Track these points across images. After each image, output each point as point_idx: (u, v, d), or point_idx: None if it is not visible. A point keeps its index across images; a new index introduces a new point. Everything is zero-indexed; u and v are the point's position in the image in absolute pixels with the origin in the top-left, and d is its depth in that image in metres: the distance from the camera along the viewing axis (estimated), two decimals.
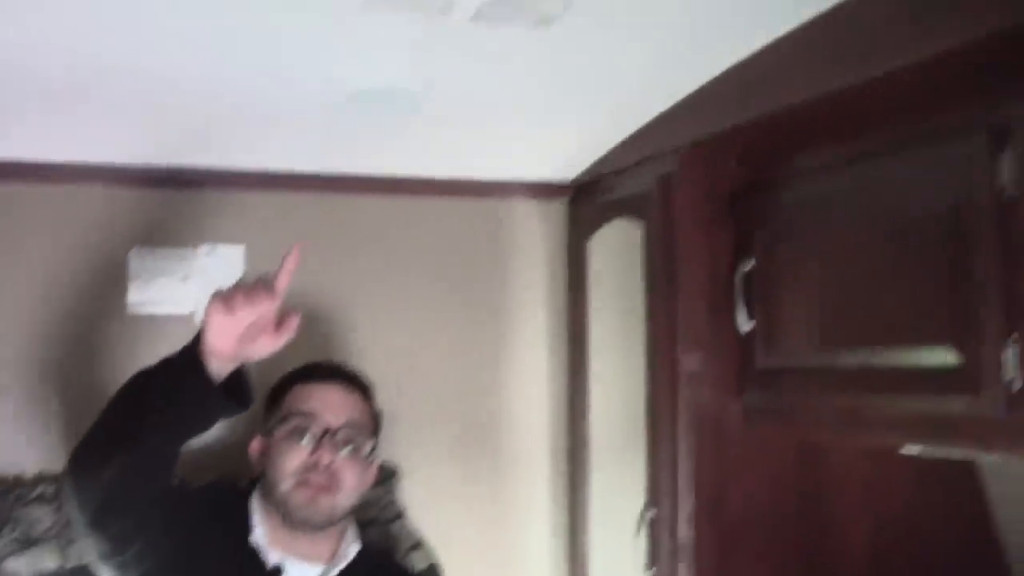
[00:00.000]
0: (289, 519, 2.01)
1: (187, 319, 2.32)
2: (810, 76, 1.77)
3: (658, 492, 2.15)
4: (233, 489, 2.14)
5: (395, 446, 2.39)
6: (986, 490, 2.18)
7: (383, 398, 2.22)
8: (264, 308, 1.76)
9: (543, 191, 2.63)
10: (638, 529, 2.20)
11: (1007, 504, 2.16)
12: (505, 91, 2.05)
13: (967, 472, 2.17)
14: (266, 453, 2.07)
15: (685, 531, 2.08)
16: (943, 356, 1.59)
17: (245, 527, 2.03)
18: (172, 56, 1.79)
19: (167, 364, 1.82)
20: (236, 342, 1.77)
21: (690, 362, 2.10)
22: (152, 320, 2.36)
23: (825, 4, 1.65)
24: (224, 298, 1.75)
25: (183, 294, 2.39)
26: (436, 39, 1.76)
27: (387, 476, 2.35)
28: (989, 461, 2.10)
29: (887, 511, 2.16)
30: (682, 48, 1.86)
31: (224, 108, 2.07)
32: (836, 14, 1.64)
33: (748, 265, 2.06)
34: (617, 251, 2.42)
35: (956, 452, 1.79)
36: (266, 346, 1.80)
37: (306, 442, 2.02)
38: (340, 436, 2.04)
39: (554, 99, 2.10)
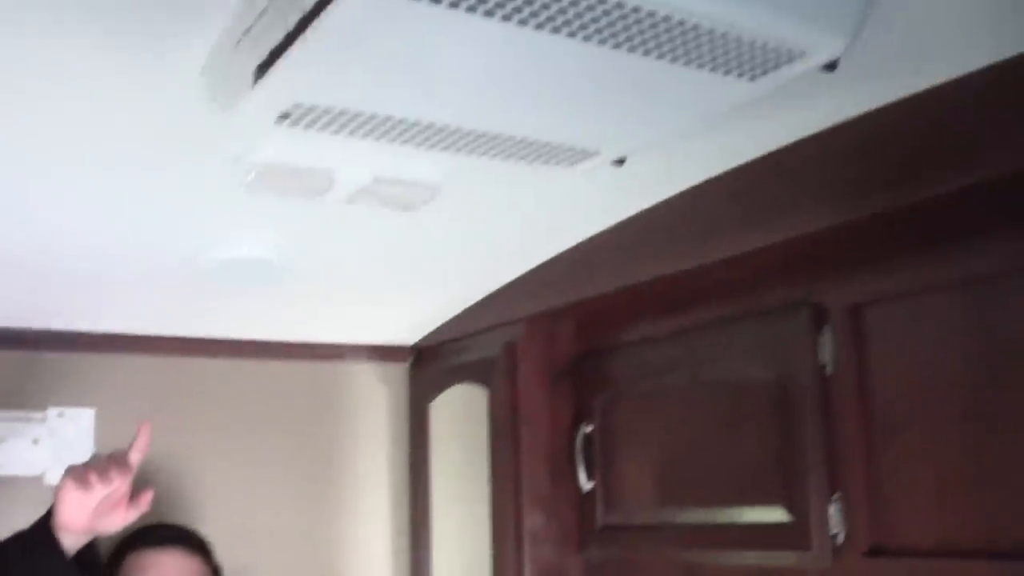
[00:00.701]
0: None
1: (38, 481, 2.31)
2: (646, 259, 1.96)
3: None
4: None
5: None
6: None
7: (229, 555, 2.25)
8: (117, 484, 1.79)
9: (385, 354, 2.74)
10: None
11: None
12: (361, 264, 2.17)
13: None
14: None
15: None
16: (774, 514, 1.76)
17: None
18: (28, 218, 1.82)
19: (20, 539, 1.80)
20: (89, 517, 1.77)
21: (533, 521, 2.21)
22: (2, 481, 2.33)
23: (661, 195, 1.86)
24: (77, 475, 1.76)
25: (33, 457, 2.37)
26: (306, 217, 1.87)
27: None
28: None
29: None
30: (528, 230, 2.03)
31: (79, 272, 2.10)
32: (672, 204, 1.84)
33: (588, 428, 2.20)
34: (459, 413, 2.53)
35: None
36: (119, 520, 1.82)
37: None
38: None
39: (405, 272, 2.23)
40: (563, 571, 2.22)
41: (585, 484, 2.20)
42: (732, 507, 1.86)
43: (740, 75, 1.23)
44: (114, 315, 2.39)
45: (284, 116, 1.34)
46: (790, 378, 1.75)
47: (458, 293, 2.39)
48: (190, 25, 1.23)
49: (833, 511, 1.66)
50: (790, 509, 1.73)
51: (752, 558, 1.83)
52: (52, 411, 2.42)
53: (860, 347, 1.67)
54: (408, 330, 2.66)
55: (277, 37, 1.17)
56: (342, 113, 1.34)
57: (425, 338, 2.66)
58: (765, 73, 1.22)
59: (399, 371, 2.76)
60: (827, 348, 1.70)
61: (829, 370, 1.69)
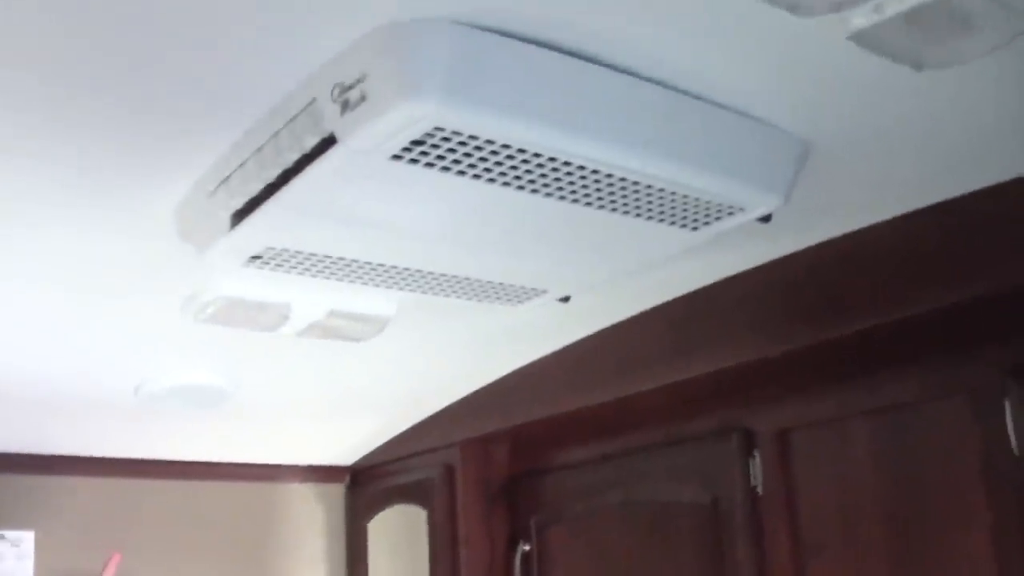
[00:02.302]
0: None
1: None
2: (582, 387, 2.05)
3: None
4: None
5: None
6: None
7: None
8: None
9: (323, 474, 2.77)
10: None
11: None
12: (304, 388, 2.22)
13: None
14: None
15: None
16: None
17: None
18: None
19: None
20: None
21: None
22: None
23: (597, 326, 1.96)
24: None
25: None
26: (253, 345, 1.92)
27: None
28: None
29: None
30: (469, 358, 2.11)
31: (23, 396, 2.11)
32: (608, 335, 1.95)
33: (526, 547, 2.27)
34: (395, 533, 2.57)
35: None
36: None
37: None
38: None
39: (346, 397, 2.29)
40: None
41: None
42: None
43: (683, 226, 1.34)
44: (56, 437, 2.39)
45: (255, 258, 1.41)
46: (722, 499, 1.85)
47: (396, 416, 2.45)
48: (168, 169, 1.30)
49: None
50: None
51: None
52: None
53: (787, 469, 1.78)
54: (346, 451, 2.70)
55: (257, 187, 1.25)
56: (309, 256, 1.42)
57: (362, 459, 2.71)
58: (707, 224, 1.34)
59: (336, 491, 2.79)
60: (757, 470, 1.80)
61: (759, 491, 1.79)
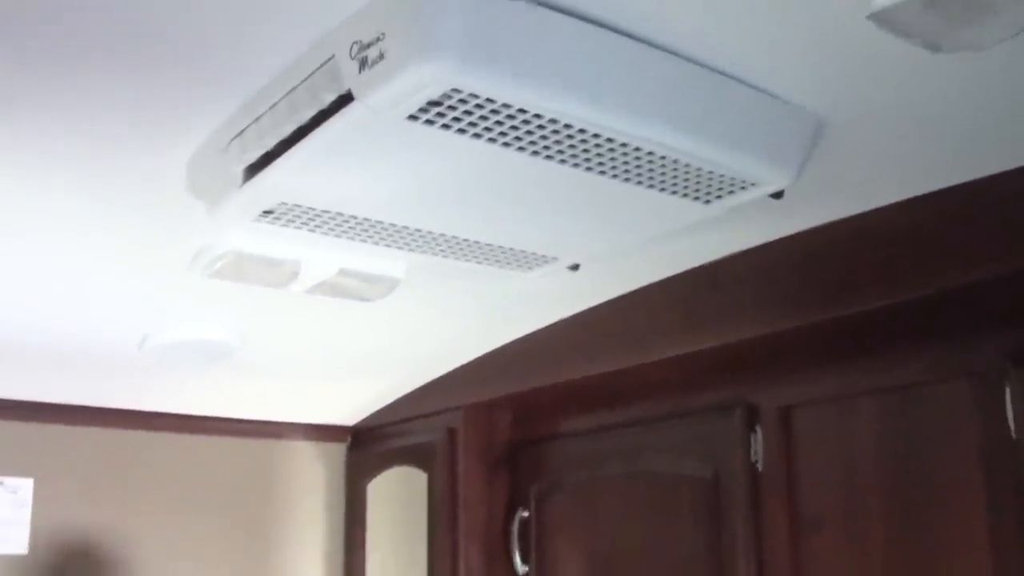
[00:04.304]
0: None
1: None
2: (587, 357, 2.06)
3: None
4: None
5: None
6: None
7: None
8: None
9: (324, 433, 2.79)
10: None
11: None
12: (311, 347, 2.23)
13: None
14: None
15: None
16: None
17: None
18: None
19: None
20: None
21: None
22: None
23: (605, 297, 1.97)
24: None
25: None
26: (261, 301, 1.93)
27: None
28: None
29: None
30: (475, 323, 2.12)
31: (26, 343, 2.11)
32: (615, 306, 1.96)
33: (524, 513, 2.28)
34: (396, 493, 2.59)
35: None
36: None
37: None
38: None
39: (352, 357, 2.30)
40: None
41: (520, 568, 2.27)
42: None
43: (695, 199, 1.35)
44: (59, 387, 2.40)
45: (267, 213, 1.42)
46: (723, 473, 1.86)
47: (401, 378, 2.47)
48: (181, 125, 1.30)
49: None
50: None
51: None
52: None
53: (789, 445, 1.79)
54: (349, 412, 2.72)
55: (271, 143, 1.26)
56: (321, 213, 1.42)
57: (365, 420, 2.72)
58: (719, 198, 1.34)
59: (337, 450, 2.81)
60: (759, 446, 1.81)
61: (760, 467, 1.80)
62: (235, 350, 2.17)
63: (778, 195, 1.35)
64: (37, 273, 1.78)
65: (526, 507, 2.30)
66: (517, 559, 2.27)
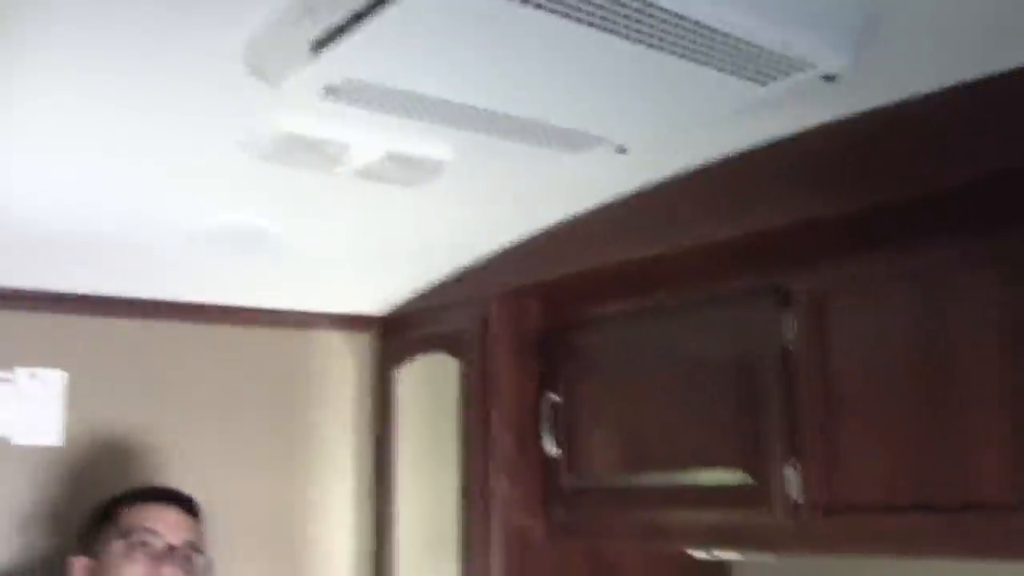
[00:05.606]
0: None
1: (4, 443, 2.33)
2: (618, 242, 2.10)
3: None
4: None
5: None
6: None
7: None
8: None
9: (354, 323, 2.83)
10: None
11: None
12: (346, 235, 2.27)
13: (720, 568, 2.53)
14: (98, 572, 2.12)
15: None
16: (735, 476, 1.93)
17: None
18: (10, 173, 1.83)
19: None
20: None
21: (501, 485, 2.35)
22: None
23: (640, 182, 2.00)
24: None
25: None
26: (297, 187, 1.95)
27: None
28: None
29: None
30: (511, 208, 2.16)
31: (60, 232, 2.10)
32: (650, 192, 2.00)
33: (555, 398, 2.35)
34: (424, 380, 2.66)
35: (748, 556, 2.13)
36: None
37: (149, 557, 2.09)
38: (180, 553, 2.13)
39: (385, 243, 2.33)
40: (529, 532, 2.36)
41: (552, 450, 2.34)
42: (693, 471, 2.02)
43: (751, 79, 1.38)
44: (91, 276, 2.39)
45: (331, 90, 1.45)
46: (755, 353, 1.92)
47: (433, 265, 2.51)
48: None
49: (791, 474, 1.84)
50: (751, 472, 1.90)
51: (712, 516, 2.00)
52: (21, 371, 2.38)
53: (821, 328, 1.84)
54: (379, 302, 2.76)
55: (344, 15, 1.28)
56: (386, 91, 1.45)
57: (395, 310, 2.77)
58: (774, 79, 1.38)
59: (367, 340, 2.85)
60: (791, 327, 1.87)
61: (792, 347, 1.86)
62: (275, 238, 2.21)
63: (831, 78, 1.38)
64: (77, 159, 1.80)
65: (556, 392, 2.36)
66: (549, 440, 2.34)
